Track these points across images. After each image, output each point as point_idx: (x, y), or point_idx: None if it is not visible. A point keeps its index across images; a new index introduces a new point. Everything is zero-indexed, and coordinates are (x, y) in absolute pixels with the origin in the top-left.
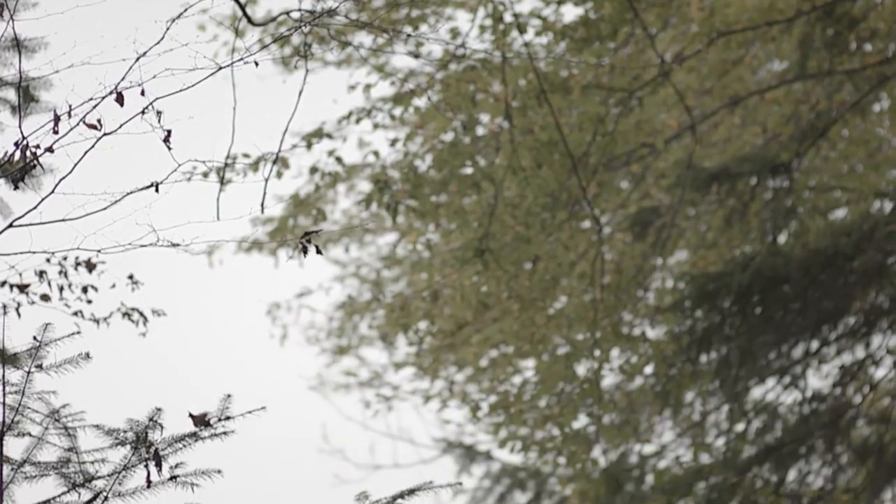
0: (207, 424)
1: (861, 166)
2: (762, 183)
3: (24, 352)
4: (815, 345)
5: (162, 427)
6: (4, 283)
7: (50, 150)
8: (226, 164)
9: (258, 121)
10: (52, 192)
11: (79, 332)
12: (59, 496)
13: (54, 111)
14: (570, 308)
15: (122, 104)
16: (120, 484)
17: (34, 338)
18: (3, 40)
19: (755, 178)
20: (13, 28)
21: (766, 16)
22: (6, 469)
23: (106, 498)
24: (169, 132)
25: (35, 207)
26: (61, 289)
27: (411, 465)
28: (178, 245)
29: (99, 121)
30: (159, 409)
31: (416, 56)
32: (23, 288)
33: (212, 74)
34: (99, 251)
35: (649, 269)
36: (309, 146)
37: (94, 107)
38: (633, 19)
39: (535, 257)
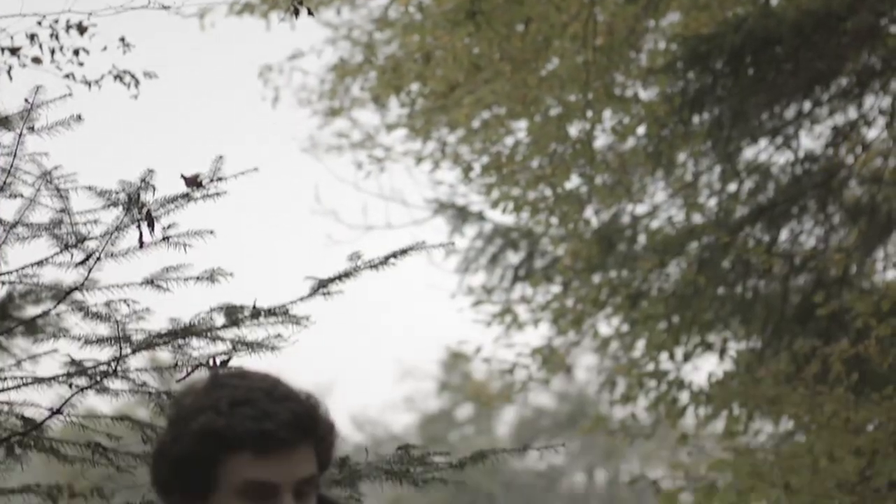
0: (199, 185)
1: None
2: None
3: (15, 114)
4: (807, 105)
5: (154, 188)
6: None
7: None
8: None
9: None
10: None
11: (70, 95)
12: (52, 257)
13: None
14: (563, 69)
15: None
16: (112, 244)
17: (26, 100)
18: None
19: None
20: None
21: None
22: None
23: (98, 258)
24: None
25: None
26: (53, 52)
27: (403, 226)
28: (169, 7)
29: None
30: (151, 171)
31: None
32: (14, 51)
33: None
34: (90, 14)
35: (641, 30)
36: None
37: None
38: None
39: (527, 18)
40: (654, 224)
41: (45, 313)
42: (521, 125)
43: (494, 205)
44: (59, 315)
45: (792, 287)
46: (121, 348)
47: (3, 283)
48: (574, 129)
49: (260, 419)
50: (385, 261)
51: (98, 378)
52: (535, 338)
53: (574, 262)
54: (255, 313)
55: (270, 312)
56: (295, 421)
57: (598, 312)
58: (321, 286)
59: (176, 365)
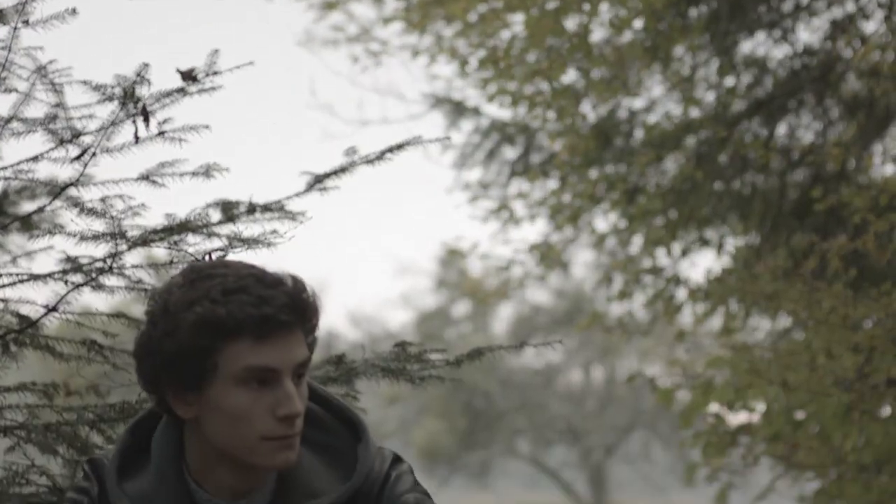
0: (195, 80)
1: None
2: None
3: (10, 7)
4: None
5: (150, 82)
6: None
7: None
8: None
9: None
10: None
11: None
12: (47, 152)
13: None
14: None
15: None
16: (108, 140)
17: None
18: None
19: None
20: None
21: None
22: None
23: (94, 154)
24: None
25: None
26: None
27: (400, 121)
28: None
29: None
30: (147, 65)
31: None
32: None
33: None
34: None
35: None
36: None
37: None
38: None
39: None
40: (651, 118)
41: (41, 209)
42: (518, 19)
43: (491, 99)
44: (55, 211)
45: (789, 182)
46: (116, 245)
47: None
48: (571, 23)
49: (258, 304)
50: (381, 156)
51: (94, 275)
52: (531, 234)
53: (571, 157)
54: (251, 209)
55: (266, 208)
56: (292, 304)
57: (594, 208)
58: (317, 181)
59: (171, 261)
